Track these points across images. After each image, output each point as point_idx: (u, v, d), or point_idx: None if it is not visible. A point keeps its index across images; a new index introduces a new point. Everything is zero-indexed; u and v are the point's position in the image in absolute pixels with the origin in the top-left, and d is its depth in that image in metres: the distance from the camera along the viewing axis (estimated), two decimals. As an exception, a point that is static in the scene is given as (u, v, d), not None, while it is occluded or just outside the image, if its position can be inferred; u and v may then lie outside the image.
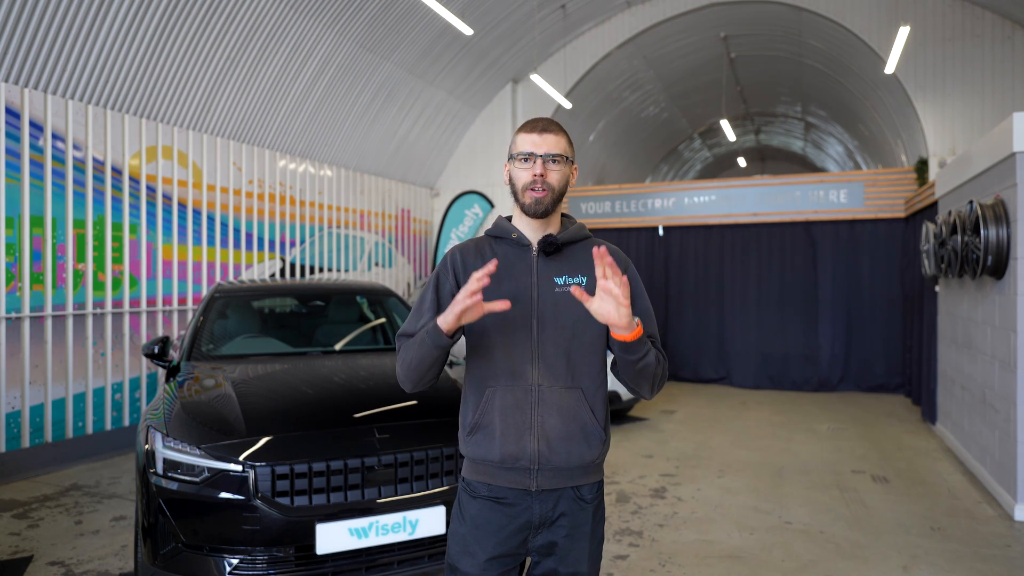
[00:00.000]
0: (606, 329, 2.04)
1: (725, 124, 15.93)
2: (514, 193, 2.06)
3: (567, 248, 2.10)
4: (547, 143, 2.01)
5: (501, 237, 2.13)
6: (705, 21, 12.65)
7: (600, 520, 2.13)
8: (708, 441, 7.70)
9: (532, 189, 2.00)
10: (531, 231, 2.08)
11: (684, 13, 12.20)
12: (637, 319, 1.89)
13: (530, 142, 2.01)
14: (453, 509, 2.13)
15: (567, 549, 2.04)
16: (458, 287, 2.05)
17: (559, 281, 2.05)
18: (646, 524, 5.09)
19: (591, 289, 2.04)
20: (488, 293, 2.01)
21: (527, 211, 2.03)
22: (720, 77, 15.11)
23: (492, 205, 13.09)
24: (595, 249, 1.78)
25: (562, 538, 2.04)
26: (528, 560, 2.13)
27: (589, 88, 13.61)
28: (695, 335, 12.00)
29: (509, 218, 2.17)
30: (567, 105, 12.57)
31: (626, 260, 2.16)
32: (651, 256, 12.25)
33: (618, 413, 8.89)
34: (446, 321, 1.86)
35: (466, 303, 1.81)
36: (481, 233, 2.18)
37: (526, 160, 2.01)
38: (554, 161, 2.01)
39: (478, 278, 1.80)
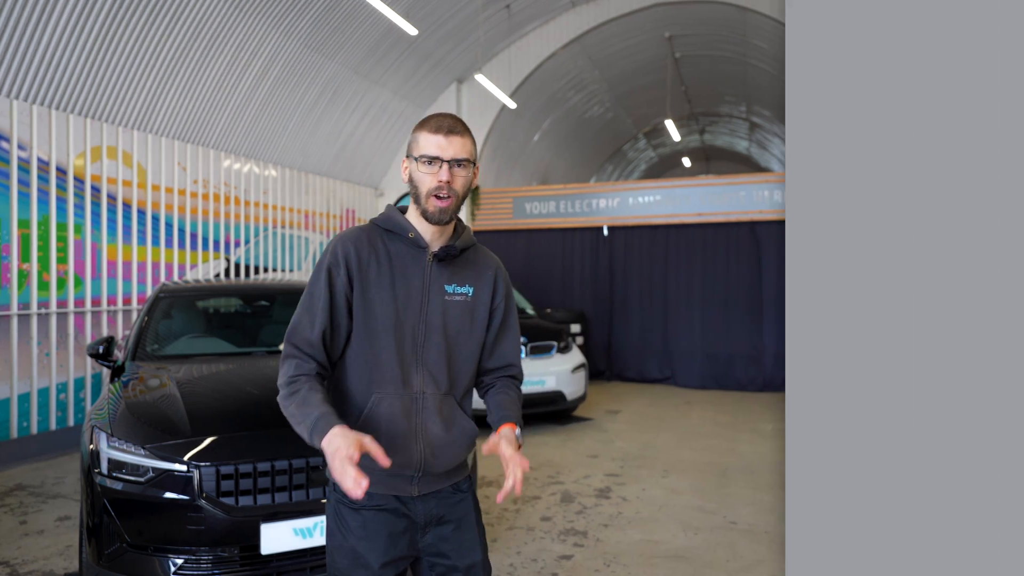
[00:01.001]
0: (483, 341, 2.13)
1: (670, 124, 16.13)
2: (415, 195, 1.98)
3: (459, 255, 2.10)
4: (454, 147, 1.93)
5: (394, 232, 2.03)
6: (650, 21, 12.82)
7: (479, 507, 2.18)
8: (653, 441, 7.68)
9: (437, 196, 1.93)
10: (428, 233, 2.02)
11: (629, 13, 12.36)
12: (520, 437, 2.01)
13: (436, 144, 1.92)
14: (328, 522, 2.07)
15: (458, 542, 2.05)
16: (351, 286, 1.97)
17: (448, 289, 2.03)
18: (591, 524, 5.08)
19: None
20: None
21: (430, 219, 1.96)
22: (665, 77, 15.31)
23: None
24: (514, 484, 1.85)
25: (451, 533, 2.05)
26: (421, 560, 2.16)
27: (534, 88, 13.73)
28: (640, 335, 11.97)
29: (402, 209, 2.10)
30: (512, 105, 12.69)
31: (506, 276, 2.19)
32: (596, 256, 12.25)
33: (562, 413, 8.82)
34: (329, 446, 1.73)
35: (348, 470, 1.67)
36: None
37: (430, 163, 1.93)
38: (460, 165, 1.94)
39: (361, 492, 1.64)
